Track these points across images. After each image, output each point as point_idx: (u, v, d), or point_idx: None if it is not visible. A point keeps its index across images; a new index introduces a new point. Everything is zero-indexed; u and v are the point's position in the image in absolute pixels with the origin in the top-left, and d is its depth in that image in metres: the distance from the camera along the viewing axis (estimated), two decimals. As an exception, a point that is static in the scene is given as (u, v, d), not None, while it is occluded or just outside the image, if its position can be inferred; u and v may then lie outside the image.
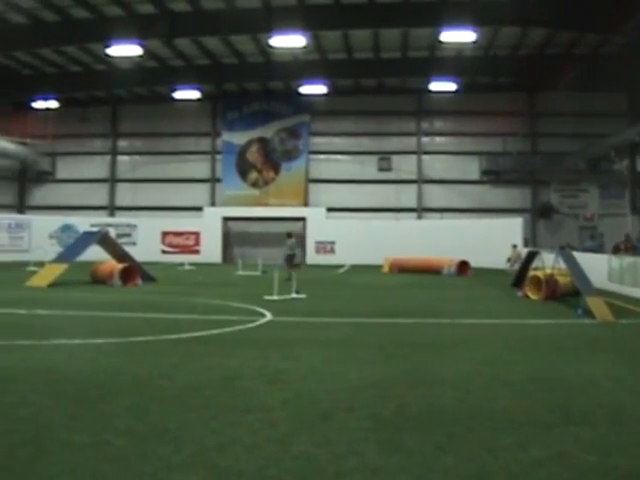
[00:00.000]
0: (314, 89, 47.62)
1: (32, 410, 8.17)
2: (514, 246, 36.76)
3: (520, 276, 26.74)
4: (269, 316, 17.55)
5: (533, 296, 23.60)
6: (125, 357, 11.73)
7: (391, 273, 39.21)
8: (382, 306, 21.14)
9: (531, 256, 26.77)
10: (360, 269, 42.69)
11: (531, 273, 25.02)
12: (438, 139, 53.32)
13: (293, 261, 30.47)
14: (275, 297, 22.18)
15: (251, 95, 53.53)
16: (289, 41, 36.26)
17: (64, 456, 6.50)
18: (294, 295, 22.97)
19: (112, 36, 36.62)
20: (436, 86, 47.11)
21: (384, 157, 53.07)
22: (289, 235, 32.40)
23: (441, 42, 37.56)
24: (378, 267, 41.66)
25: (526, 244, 43.53)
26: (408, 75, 46.95)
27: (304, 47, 37.97)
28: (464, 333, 15.31)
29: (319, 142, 53.85)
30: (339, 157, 53.91)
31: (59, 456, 6.50)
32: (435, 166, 52.86)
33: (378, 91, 51.52)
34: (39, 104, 51.46)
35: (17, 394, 9.00)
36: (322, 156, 53.82)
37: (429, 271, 38.51)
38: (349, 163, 53.56)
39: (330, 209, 51.33)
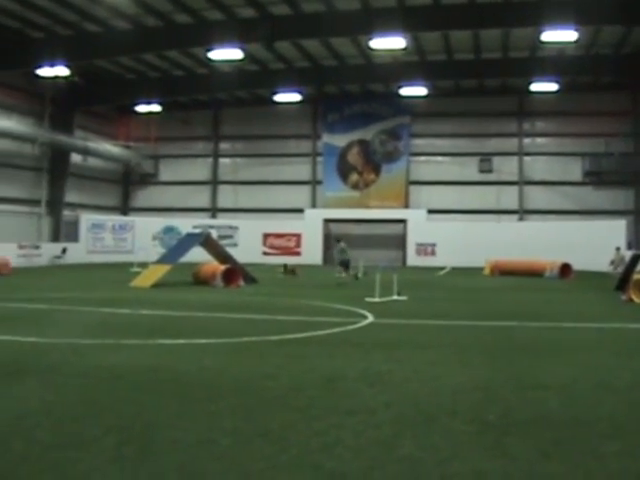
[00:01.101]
0: (414, 91, 47.39)
1: (139, 408, 8.30)
2: (617, 249, 36.08)
3: (624, 279, 26.20)
4: (371, 318, 17.53)
5: (638, 300, 23.10)
6: (229, 357, 11.84)
7: (492, 275, 38.82)
8: (484, 309, 20.94)
9: (635, 259, 26.24)
10: (461, 271, 42.40)
11: (635, 276, 24.48)
12: (539, 140, 52.63)
13: (349, 266, 31.10)
14: (376, 299, 22.16)
15: (351, 97, 53.61)
16: (389, 43, 36.15)
17: (171, 454, 6.58)
18: (395, 297, 22.91)
19: (213, 40, 37.02)
20: (537, 86, 46.44)
21: (485, 158, 52.61)
22: (338, 240, 32.63)
23: (542, 42, 37.00)
24: (479, 269, 41.30)
25: (630, 247, 42.68)
26: (509, 76, 46.43)
27: (404, 48, 37.82)
28: (568, 337, 15.06)
29: (419, 144, 53.67)
30: (439, 159, 53.67)
31: (166, 454, 6.58)
32: (536, 167, 52.20)
33: (479, 92, 51.10)
34: (142, 108, 52.39)
35: (124, 392, 9.17)
36: (422, 158, 53.64)
37: (531, 274, 37.99)
38: (449, 165, 53.27)
39: (431, 211, 51.09)
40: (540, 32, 35.15)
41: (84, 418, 7.78)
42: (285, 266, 36.47)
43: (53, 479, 5.88)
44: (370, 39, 36.32)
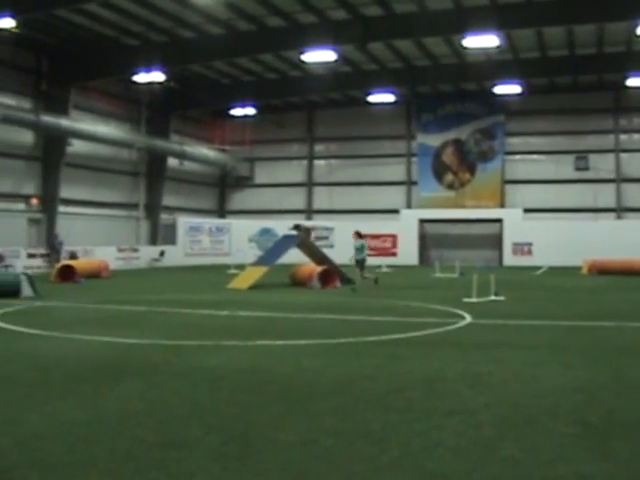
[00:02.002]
0: (508, 89, 46.81)
1: (240, 408, 8.38)
2: None
3: None
4: (469, 318, 17.42)
5: None
6: (328, 358, 11.88)
7: (590, 275, 38.15)
8: (583, 309, 20.63)
9: None
10: (558, 271, 41.81)
11: None
12: (637, 136, 51.56)
13: (364, 266, 28.73)
14: (474, 299, 22.01)
15: (445, 96, 53.31)
16: (482, 41, 35.79)
17: (273, 454, 6.63)
18: (493, 297, 22.72)
19: (306, 43, 37.17)
20: (634, 81, 45.41)
21: (581, 156, 51.75)
22: (359, 235, 29.33)
23: (638, 36, 36.24)
24: (576, 269, 40.65)
25: None
26: (604, 71, 45.54)
27: (497, 47, 37.43)
28: (672, 336, 14.78)
29: (514, 142, 53.11)
30: (535, 157, 53.02)
31: (268, 454, 6.64)
32: (634, 164, 51.11)
33: (573, 89, 50.25)
34: (237, 111, 52.87)
35: (226, 392, 9.27)
36: (517, 156, 53.08)
37: (631, 273, 37.24)
38: (545, 163, 52.58)
39: (527, 210, 50.50)
40: (635, 26, 34.45)
41: (186, 418, 7.90)
42: (297, 226, 34.05)
43: (159, 477, 5.97)
44: (463, 38, 36.04)
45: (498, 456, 6.55)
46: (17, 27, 32.77)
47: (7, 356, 12.10)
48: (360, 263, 28.49)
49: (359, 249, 28.56)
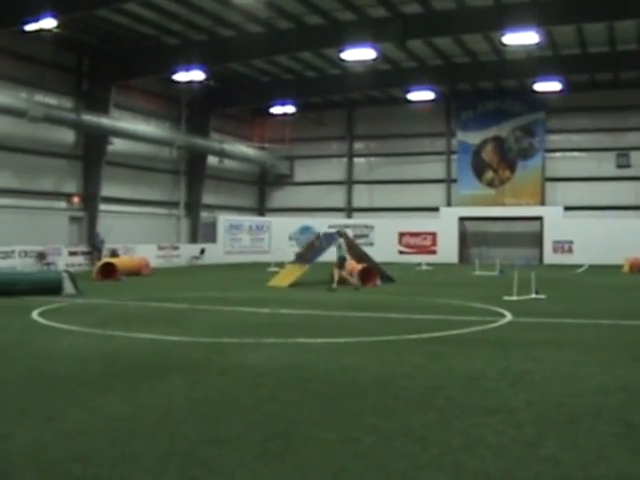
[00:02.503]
0: (548, 86, 46.42)
1: (281, 406, 8.42)
2: None
3: None
4: (509, 317, 17.35)
5: None
6: (368, 356, 11.89)
7: (632, 273, 37.80)
8: (625, 307, 20.46)
9: None
10: (599, 269, 41.48)
11: None
12: (679, 133, 51.03)
13: (344, 265, 28.32)
14: (514, 297, 21.91)
15: (485, 94, 53.06)
16: (522, 38, 35.55)
17: (313, 451, 6.65)
18: (534, 295, 22.59)
19: (346, 41, 37.14)
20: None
21: (622, 153, 51.23)
22: (340, 234, 29.25)
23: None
24: (617, 267, 40.30)
25: None
26: (646, 67, 45.12)
27: (537, 43, 37.16)
28: None
29: (555, 139, 52.70)
30: (575, 154, 52.57)
31: (309, 450, 6.66)
32: (678, 161, 50.59)
33: (614, 85, 49.70)
34: (277, 110, 52.93)
35: (267, 389, 9.31)
36: (558, 154, 52.69)
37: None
38: (586, 160, 52.09)
39: (567, 208, 50.14)
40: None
41: (228, 415, 7.94)
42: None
43: (201, 474, 6.01)
44: (502, 35, 35.83)
45: (539, 455, 6.53)
46: (58, 27, 33.04)
47: (50, 353, 12.23)
48: (341, 262, 28.15)
49: (340, 248, 28.13)
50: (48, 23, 31.69)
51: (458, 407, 8.35)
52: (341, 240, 28.65)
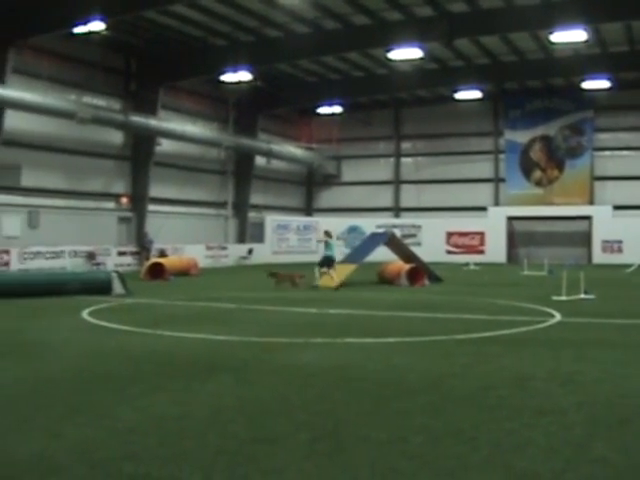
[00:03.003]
0: (597, 84, 45.96)
1: (330, 405, 8.42)
2: None
3: None
4: (558, 317, 17.21)
5: None
6: (417, 356, 11.87)
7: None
8: (677, 306, 20.27)
9: None
10: (651, 268, 41.08)
11: None
12: None
13: (333, 265, 27.95)
14: (563, 297, 21.74)
15: (532, 92, 52.68)
16: (570, 36, 35.24)
17: (363, 451, 6.65)
18: (583, 295, 22.40)
19: (392, 40, 37.08)
20: None
21: (671, 152, 50.62)
22: (327, 234, 29.15)
23: None
24: (670, 266, 39.91)
25: None
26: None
27: (585, 41, 36.83)
28: None
29: (603, 138, 52.14)
30: (625, 153, 51.96)
31: (358, 450, 6.66)
32: None
33: (664, 83, 49.16)
34: (324, 110, 52.99)
35: (316, 389, 9.33)
36: (607, 152, 52.13)
37: None
38: (635, 159, 51.45)
39: (617, 207, 49.61)
40: None
41: (277, 414, 7.97)
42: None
43: (250, 472, 6.03)
44: (550, 33, 35.56)
45: (590, 456, 6.48)
46: (107, 30, 33.37)
47: (100, 352, 12.34)
48: (328, 261, 28.07)
49: (329, 247, 28.29)
50: (96, 26, 32.01)
51: (508, 407, 8.31)
52: (330, 240, 28.64)
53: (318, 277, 27.92)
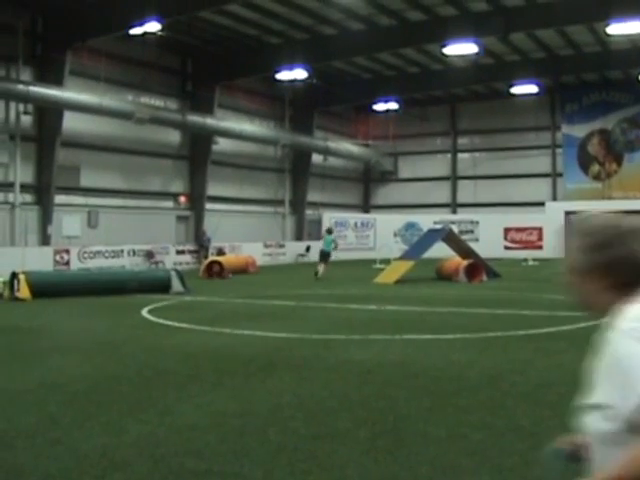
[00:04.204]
0: (655, 76, 45.49)
1: (389, 402, 8.44)
2: None
3: None
4: (619, 312, 17.00)
5: None
6: (476, 352, 11.83)
7: None
8: None
9: None
10: None
11: None
12: None
13: (328, 259, 31.91)
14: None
15: (589, 86, 52.08)
16: (627, 28, 34.78)
17: (423, 447, 6.66)
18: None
19: (448, 36, 36.86)
20: None
21: None
22: (329, 231, 34.41)
23: None
24: None
25: None
26: None
27: (643, 33, 36.40)
28: None
29: (663, 130, 51.48)
30: (686, 145, 51.23)
31: (418, 447, 6.67)
32: None
33: None
34: (380, 106, 52.86)
35: (375, 386, 9.35)
36: (667, 145, 51.46)
37: None
38: (698, 150, 50.77)
39: (677, 200, 48.94)
40: None
41: (336, 411, 8.00)
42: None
43: (310, 468, 6.07)
44: (607, 25, 35.12)
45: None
46: (162, 30, 33.60)
47: (160, 349, 12.47)
48: (322, 255, 32.14)
49: (327, 242, 32.73)
50: (152, 27, 32.26)
51: (568, 404, 8.22)
52: (328, 236, 33.53)
53: (320, 270, 30.91)
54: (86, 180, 36.49)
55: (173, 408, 8.24)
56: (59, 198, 34.58)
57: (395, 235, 52.08)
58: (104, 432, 7.21)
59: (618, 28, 34.58)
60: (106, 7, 32.00)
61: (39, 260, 30.58)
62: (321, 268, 31.01)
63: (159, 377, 10.10)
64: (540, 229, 51.17)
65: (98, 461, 6.32)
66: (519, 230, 51.63)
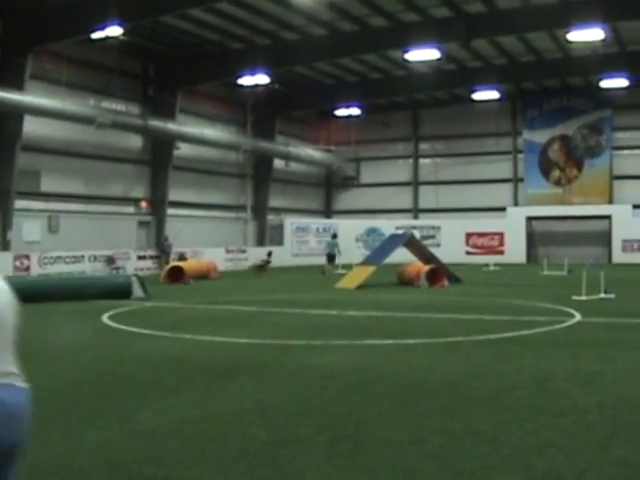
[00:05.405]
0: (615, 82, 45.75)
1: (350, 407, 8.44)
2: None
3: None
4: (578, 317, 17.15)
5: None
6: (436, 357, 11.88)
7: None
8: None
9: None
10: (672, 267, 40.85)
11: None
12: None
13: (333, 260, 37.32)
14: (583, 297, 21.67)
15: (550, 92, 52.57)
16: (587, 35, 35.17)
17: (383, 452, 6.66)
18: (603, 295, 22.32)
19: (410, 42, 37.04)
20: None
21: (689, 150, 50.35)
22: (333, 236, 39.86)
23: None
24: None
25: None
26: None
27: (603, 40, 36.72)
28: None
29: (622, 137, 51.92)
30: (644, 152, 51.74)
31: (378, 452, 6.68)
32: None
33: (682, 81, 48.82)
34: (342, 112, 52.96)
35: (335, 391, 9.35)
36: (626, 151, 51.91)
37: None
38: (655, 157, 51.30)
39: (636, 206, 49.37)
40: None
41: (297, 417, 7.99)
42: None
43: (270, 475, 6.06)
44: (567, 32, 35.49)
45: (611, 457, 6.47)
46: (124, 35, 33.51)
47: (121, 355, 12.40)
48: (331, 257, 37.51)
49: (331, 246, 38.00)
50: (114, 31, 32.14)
51: (528, 408, 8.30)
52: (331, 240, 38.98)
53: (326, 269, 36.77)
54: (47, 185, 36.26)
55: (133, 414, 8.20)
56: (19, 203, 34.30)
57: (357, 240, 52.12)
58: (63, 439, 7.17)
59: (578, 35, 35.01)
60: (68, 11, 31.80)
61: (-2, 266, 30.31)
62: (328, 268, 36.76)
63: (119, 383, 10.05)
64: (502, 234, 51.48)
65: (57, 469, 6.28)
66: (481, 235, 51.90)
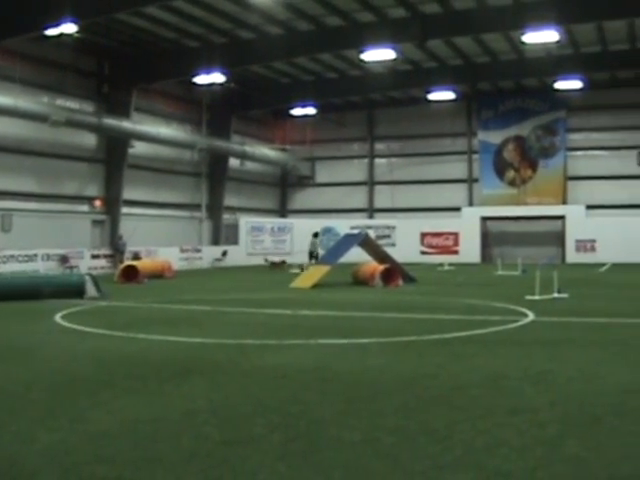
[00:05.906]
0: (569, 84, 46.26)
1: (303, 407, 8.41)
2: None
3: None
4: (531, 316, 17.27)
5: None
6: (390, 357, 11.89)
7: (657, 271, 37.62)
8: (650, 305, 20.39)
9: None
10: (622, 268, 41.20)
11: None
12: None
13: (313, 258, 37.19)
14: (537, 297, 21.82)
15: (505, 93, 52.97)
16: (542, 36, 35.45)
17: (336, 452, 6.65)
18: (556, 295, 22.50)
19: (366, 42, 37.14)
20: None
21: (644, 151, 50.89)
22: (315, 235, 39.51)
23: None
24: (641, 265, 40.14)
25: None
26: (667, 65, 44.77)
27: (557, 42, 37.06)
28: None
29: (576, 138, 52.46)
30: (597, 153, 52.26)
31: (331, 451, 6.65)
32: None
33: (636, 83, 49.30)
34: (298, 111, 52.97)
35: (289, 390, 9.32)
36: (579, 152, 52.44)
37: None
38: (608, 159, 51.81)
39: (589, 206, 49.89)
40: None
41: (250, 416, 7.95)
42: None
43: (223, 475, 6.02)
44: (522, 34, 35.76)
45: (562, 455, 6.50)
46: (79, 32, 33.24)
47: (73, 355, 12.29)
48: (313, 255, 37.86)
49: (313, 245, 38.49)
50: (68, 28, 31.86)
51: (481, 407, 8.33)
52: (313, 239, 38.87)
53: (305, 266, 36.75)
54: (-1, 183, 35.92)
55: (85, 415, 8.11)
56: (-29, 202, 34.00)
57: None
58: (14, 441, 7.07)
59: (533, 37, 35.33)
60: (21, 7, 31.46)
61: (-50, 264, 29.98)
62: (306, 265, 36.79)
63: (71, 383, 9.95)
64: (456, 234, 51.79)
65: (7, 471, 6.18)
66: (435, 235, 52.17)
